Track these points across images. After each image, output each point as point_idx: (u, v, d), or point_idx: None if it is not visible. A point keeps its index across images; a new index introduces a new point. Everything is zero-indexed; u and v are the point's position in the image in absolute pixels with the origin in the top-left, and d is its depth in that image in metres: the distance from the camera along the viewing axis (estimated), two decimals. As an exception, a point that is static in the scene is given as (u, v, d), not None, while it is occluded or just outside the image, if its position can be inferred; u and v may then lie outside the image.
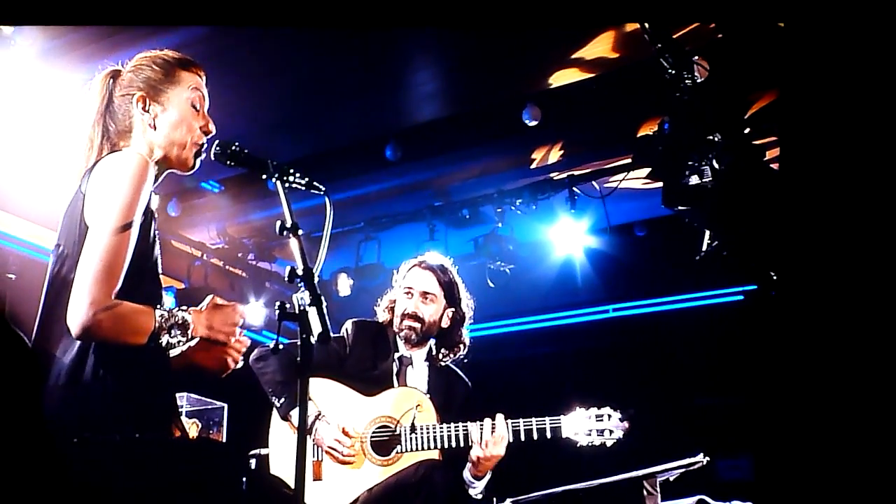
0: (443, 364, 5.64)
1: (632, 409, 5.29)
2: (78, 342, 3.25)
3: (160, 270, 3.61)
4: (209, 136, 3.66)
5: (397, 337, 5.60)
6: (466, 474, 5.22)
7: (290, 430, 5.18)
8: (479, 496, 5.28)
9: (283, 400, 5.19)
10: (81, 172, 3.50)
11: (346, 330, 5.59)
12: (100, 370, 3.24)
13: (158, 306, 3.33)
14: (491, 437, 5.11)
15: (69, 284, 3.26)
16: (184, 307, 3.40)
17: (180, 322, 3.30)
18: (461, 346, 5.66)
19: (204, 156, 3.67)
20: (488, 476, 5.26)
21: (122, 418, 3.23)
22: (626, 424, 5.20)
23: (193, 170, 3.69)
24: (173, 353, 3.50)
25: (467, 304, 5.71)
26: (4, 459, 2.30)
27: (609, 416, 5.21)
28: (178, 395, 6.99)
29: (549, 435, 5.16)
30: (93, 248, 3.26)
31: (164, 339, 3.28)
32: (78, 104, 3.74)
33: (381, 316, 5.73)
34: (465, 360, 5.70)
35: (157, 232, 3.59)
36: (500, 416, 5.17)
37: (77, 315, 3.18)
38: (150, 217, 3.49)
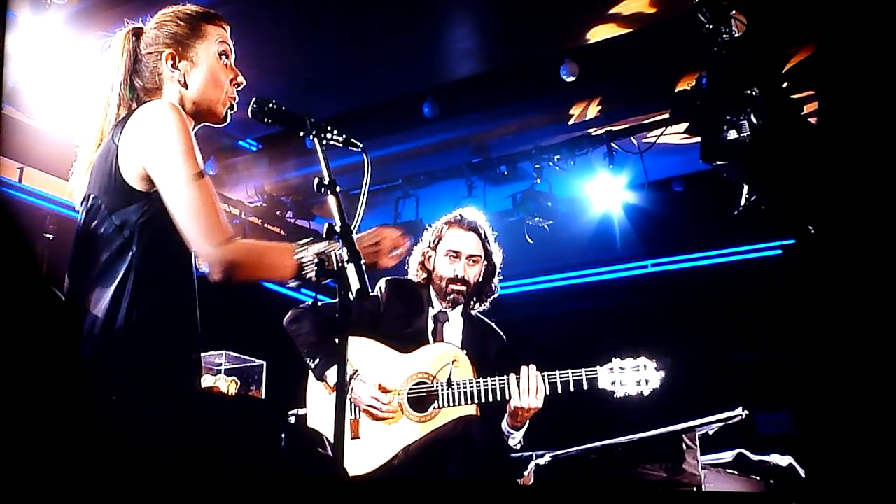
0: (475, 314, 5.66)
1: (668, 357, 5.29)
2: (109, 294, 3.22)
3: None
4: (240, 88, 3.67)
5: (432, 294, 5.62)
6: (504, 425, 5.24)
7: (326, 390, 5.21)
8: (518, 445, 5.30)
9: (317, 361, 5.20)
10: (110, 127, 3.50)
11: (380, 288, 5.59)
12: (132, 321, 3.21)
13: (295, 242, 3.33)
14: (528, 389, 5.12)
15: (98, 237, 3.27)
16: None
17: (317, 260, 3.25)
18: (492, 295, 5.69)
19: (235, 108, 3.68)
20: (526, 425, 5.28)
21: (155, 370, 3.24)
22: (662, 374, 5.21)
23: (225, 122, 3.69)
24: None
25: (498, 255, 5.72)
26: (45, 414, 2.34)
27: (645, 365, 5.20)
28: (216, 352, 7.06)
29: (585, 386, 5.15)
30: (182, 201, 3.25)
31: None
32: (100, 62, 3.73)
33: (414, 274, 5.73)
34: (502, 315, 5.71)
35: None
36: (532, 368, 5.18)
37: (208, 259, 3.21)
38: None
